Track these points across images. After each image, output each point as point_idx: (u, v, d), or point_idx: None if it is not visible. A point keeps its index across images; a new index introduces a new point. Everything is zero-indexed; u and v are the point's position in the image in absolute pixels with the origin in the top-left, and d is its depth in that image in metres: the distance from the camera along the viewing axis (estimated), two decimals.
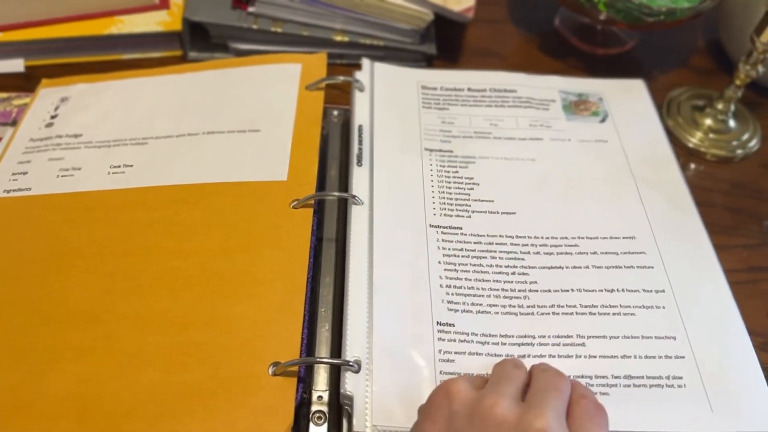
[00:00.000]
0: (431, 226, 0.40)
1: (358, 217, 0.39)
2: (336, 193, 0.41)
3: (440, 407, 0.28)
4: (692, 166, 0.52)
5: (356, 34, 0.53)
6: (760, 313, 0.43)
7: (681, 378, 0.34)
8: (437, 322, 0.35)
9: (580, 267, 0.39)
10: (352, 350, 0.34)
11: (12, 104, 0.49)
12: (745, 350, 0.36)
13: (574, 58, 0.59)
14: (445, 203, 0.41)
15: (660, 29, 0.54)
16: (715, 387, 0.34)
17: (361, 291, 0.36)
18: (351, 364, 0.33)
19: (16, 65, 0.52)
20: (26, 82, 0.51)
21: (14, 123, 0.48)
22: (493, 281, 0.37)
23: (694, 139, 0.52)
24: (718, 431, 0.32)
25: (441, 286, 0.37)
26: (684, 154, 0.52)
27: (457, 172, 0.44)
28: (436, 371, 0.33)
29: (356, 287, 0.36)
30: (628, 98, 0.50)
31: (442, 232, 0.40)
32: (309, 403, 0.34)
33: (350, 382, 0.32)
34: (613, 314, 0.36)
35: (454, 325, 0.35)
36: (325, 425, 0.33)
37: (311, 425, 0.33)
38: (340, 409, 0.34)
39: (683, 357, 0.35)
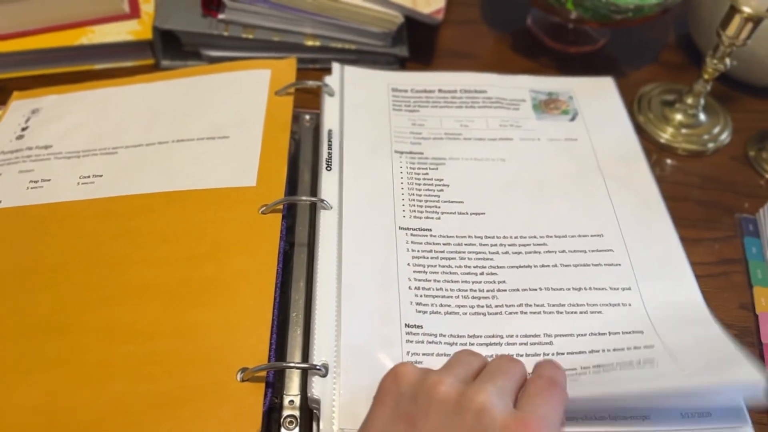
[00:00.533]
0: (401, 228, 0.40)
1: (326, 221, 0.39)
2: (305, 198, 0.41)
3: (389, 390, 0.29)
4: (664, 161, 0.52)
5: (327, 38, 0.53)
6: (732, 305, 0.43)
7: (653, 359, 0.34)
8: (405, 324, 0.35)
9: (549, 266, 0.39)
10: (319, 354, 0.34)
11: None
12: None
13: (546, 57, 0.60)
14: (414, 205, 0.42)
15: (629, 26, 0.55)
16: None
17: (330, 295, 0.36)
18: (318, 367, 0.33)
19: None
20: None
21: None
22: (462, 282, 0.38)
23: (666, 135, 0.53)
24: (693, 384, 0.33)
25: (410, 288, 0.37)
26: (656, 149, 0.52)
27: (427, 173, 0.44)
28: None
29: (324, 291, 0.36)
30: (598, 96, 0.51)
31: (412, 234, 0.40)
32: (281, 407, 0.34)
33: (317, 386, 0.32)
34: (581, 312, 0.37)
35: (422, 327, 0.35)
36: (297, 429, 0.34)
37: (282, 430, 0.34)
38: (311, 413, 0.34)
39: (652, 346, 0.35)
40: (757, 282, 0.44)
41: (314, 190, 0.43)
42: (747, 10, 0.44)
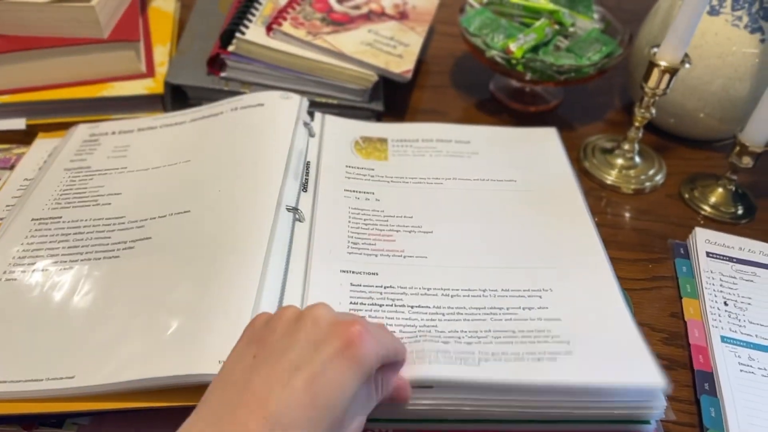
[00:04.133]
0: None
1: (299, 231, 0.46)
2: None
3: (246, 329, 0.33)
4: (609, 198, 0.58)
5: (312, 93, 0.62)
6: (664, 314, 0.48)
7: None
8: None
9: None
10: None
11: (12, 153, 0.57)
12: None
13: (507, 115, 0.68)
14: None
15: (574, 84, 0.63)
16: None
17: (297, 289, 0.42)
18: None
19: (18, 123, 0.60)
20: (26, 137, 0.59)
21: (12, 167, 0.55)
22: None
23: (611, 177, 0.60)
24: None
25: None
26: (602, 189, 0.59)
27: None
28: None
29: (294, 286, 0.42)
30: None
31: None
32: None
33: None
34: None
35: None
36: None
37: None
38: None
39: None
40: (686, 294, 0.49)
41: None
42: (663, 63, 0.53)
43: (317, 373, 0.29)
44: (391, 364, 0.35)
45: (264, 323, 0.32)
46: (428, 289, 0.43)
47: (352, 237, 0.46)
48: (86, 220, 0.47)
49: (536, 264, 0.45)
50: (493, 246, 0.47)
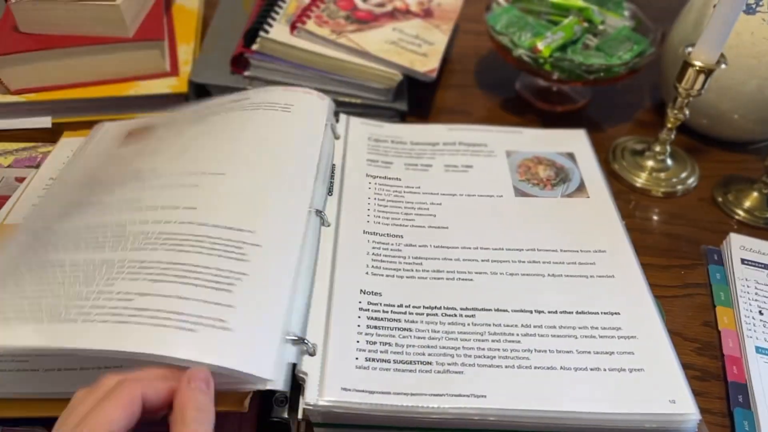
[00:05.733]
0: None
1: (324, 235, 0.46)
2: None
3: None
4: (639, 202, 0.57)
5: (336, 93, 0.61)
6: (696, 322, 0.47)
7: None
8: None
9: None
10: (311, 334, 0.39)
11: (38, 151, 0.57)
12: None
13: (533, 115, 0.67)
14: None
15: (603, 84, 0.62)
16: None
17: (323, 293, 0.41)
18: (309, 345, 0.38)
19: (44, 122, 0.61)
20: (52, 135, 0.59)
21: (38, 166, 0.55)
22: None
23: (641, 180, 0.58)
24: None
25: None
26: (632, 192, 0.58)
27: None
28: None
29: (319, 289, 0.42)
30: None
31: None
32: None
33: (306, 364, 0.37)
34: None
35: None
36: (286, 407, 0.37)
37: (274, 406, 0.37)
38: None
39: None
40: (720, 303, 0.48)
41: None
42: (698, 63, 0.51)
43: None
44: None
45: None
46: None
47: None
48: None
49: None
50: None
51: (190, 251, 0.38)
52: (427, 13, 0.68)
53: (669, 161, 0.59)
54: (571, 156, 0.55)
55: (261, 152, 0.47)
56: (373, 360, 0.38)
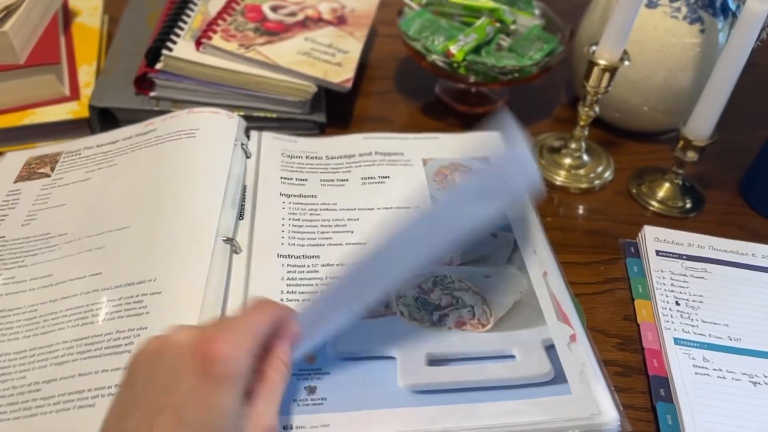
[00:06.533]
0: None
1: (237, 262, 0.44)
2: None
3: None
4: (559, 200, 0.58)
5: (250, 108, 0.59)
6: (617, 317, 0.48)
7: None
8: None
9: None
10: None
11: None
12: None
13: (453, 118, 0.66)
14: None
15: (518, 84, 0.62)
16: None
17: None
18: None
19: None
20: None
21: None
22: None
23: (560, 177, 0.59)
24: None
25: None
26: (552, 190, 0.58)
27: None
28: None
29: None
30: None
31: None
32: None
33: None
34: None
35: None
36: None
37: None
38: None
39: None
40: (638, 296, 0.48)
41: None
42: (602, 62, 0.52)
43: (179, 409, 0.28)
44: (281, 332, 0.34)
45: (137, 361, 0.31)
46: None
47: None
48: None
49: None
50: None
51: (94, 321, 0.38)
52: (340, 21, 0.67)
53: (585, 157, 0.60)
54: (486, 161, 0.55)
55: (165, 191, 0.46)
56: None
